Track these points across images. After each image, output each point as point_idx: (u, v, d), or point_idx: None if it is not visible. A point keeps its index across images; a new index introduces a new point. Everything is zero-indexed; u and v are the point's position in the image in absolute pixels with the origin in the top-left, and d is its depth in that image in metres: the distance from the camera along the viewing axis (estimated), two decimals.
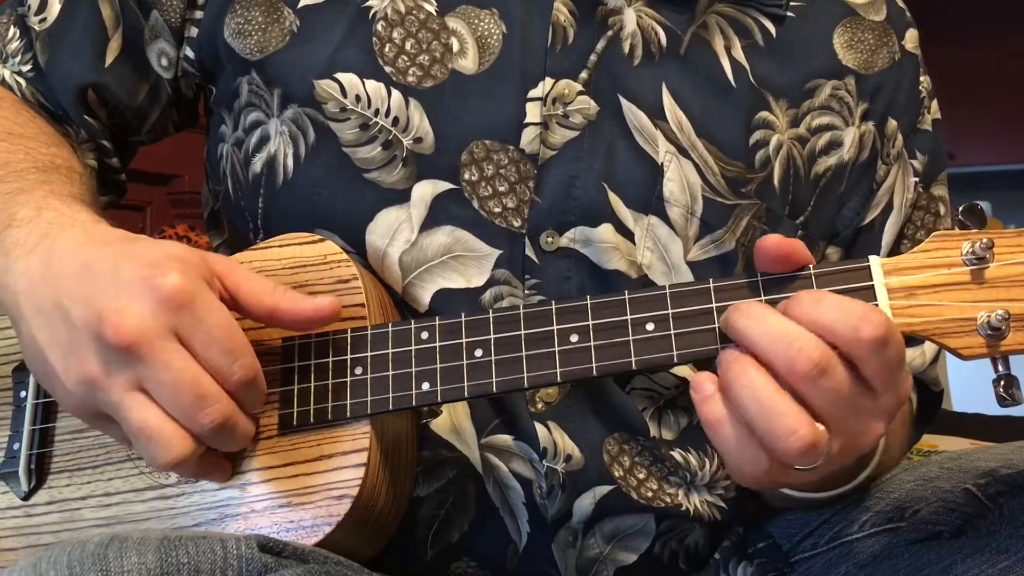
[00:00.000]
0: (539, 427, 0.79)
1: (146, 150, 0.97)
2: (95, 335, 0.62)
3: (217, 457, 0.70)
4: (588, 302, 0.68)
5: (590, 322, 0.68)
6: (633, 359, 0.66)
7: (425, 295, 0.79)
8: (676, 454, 0.83)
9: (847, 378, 0.60)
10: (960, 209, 0.64)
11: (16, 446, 0.76)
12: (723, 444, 0.63)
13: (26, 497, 0.76)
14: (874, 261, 0.65)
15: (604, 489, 0.80)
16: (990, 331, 0.61)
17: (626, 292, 0.68)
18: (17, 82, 0.87)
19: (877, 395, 0.62)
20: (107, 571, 0.56)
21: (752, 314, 0.62)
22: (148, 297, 0.62)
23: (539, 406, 0.80)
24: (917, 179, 0.93)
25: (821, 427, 0.60)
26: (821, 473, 0.63)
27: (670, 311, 0.66)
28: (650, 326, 0.66)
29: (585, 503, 0.80)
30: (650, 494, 0.82)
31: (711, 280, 0.66)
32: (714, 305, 0.66)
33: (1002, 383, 0.62)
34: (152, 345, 0.61)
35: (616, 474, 0.80)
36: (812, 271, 0.65)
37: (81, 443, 0.75)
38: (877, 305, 0.64)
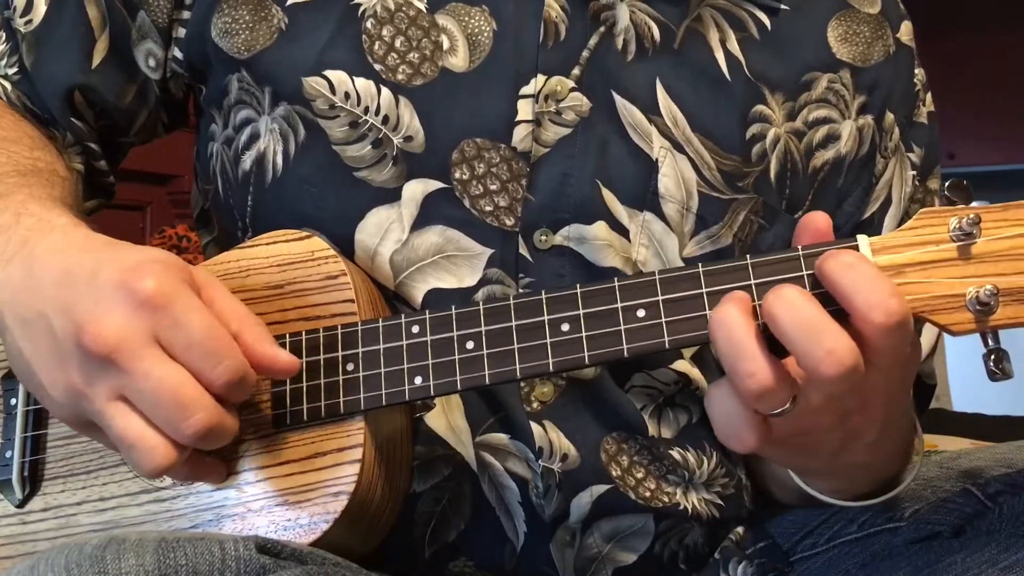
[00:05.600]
0: (534, 426, 0.79)
1: (146, 150, 0.97)
2: (76, 345, 0.61)
3: (211, 460, 0.70)
4: (578, 291, 0.68)
5: (580, 311, 0.67)
6: (625, 346, 0.66)
7: (417, 295, 0.79)
8: (675, 452, 0.83)
9: (861, 374, 0.59)
10: (946, 185, 0.64)
11: (8, 454, 0.76)
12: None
13: (21, 505, 0.76)
14: (862, 240, 0.64)
15: (601, 488, 0.80)
16: (979, 306, 0.61)
17: (615, 279, 0.67)
18: (3, 85, 0.87)
19: (877, 373, 0.61)
20: (105, 573, 0.56)
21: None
22: (127, 303, 0.61)
23: (535, 406, 0.79)
24: (914, 172, 0.93)
25: (778, 377, 0.59)
26: (808, 431, 0.63)
27: (660, 297, 0.66)
28: (641, 313, 0.66)
29: (582, 502, 0.79)
30: (648, 493, 0.81)
31: (699, 265, 0.66)
32: (704, 290, 0.66)
33: (992, 357, 0.61)
34: (132, 353, 0.61)
35: (614, 473, 0.80)
36: (801, 252, 0.65)
37: (74, 448, 0.75)
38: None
